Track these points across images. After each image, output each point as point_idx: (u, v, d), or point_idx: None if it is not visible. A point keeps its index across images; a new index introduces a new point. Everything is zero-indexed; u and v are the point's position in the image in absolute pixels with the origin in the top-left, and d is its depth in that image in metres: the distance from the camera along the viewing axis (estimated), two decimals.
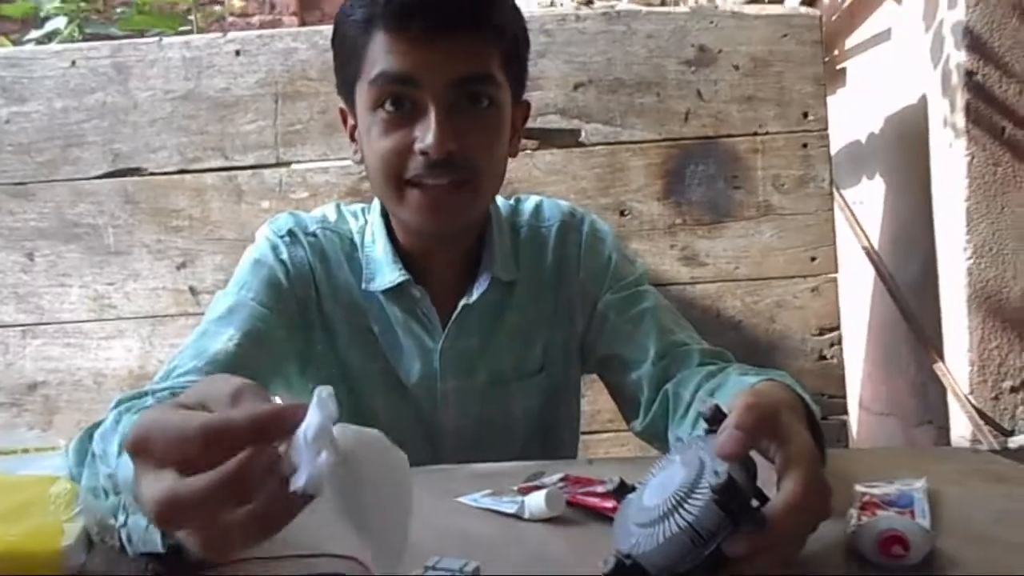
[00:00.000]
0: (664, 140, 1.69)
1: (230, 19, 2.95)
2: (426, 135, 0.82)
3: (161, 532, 0.54)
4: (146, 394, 0.74)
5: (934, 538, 0.59)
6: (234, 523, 0.43)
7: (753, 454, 0.54)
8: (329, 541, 0.62)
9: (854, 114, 2.15)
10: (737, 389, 0.75)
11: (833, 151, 1.76)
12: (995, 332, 1.62)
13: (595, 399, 1.55)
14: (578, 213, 1.05)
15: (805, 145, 1.68)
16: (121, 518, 0.58)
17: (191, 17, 2.34)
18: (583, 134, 1.70)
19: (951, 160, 1.65)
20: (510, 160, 0.95)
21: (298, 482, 0.43)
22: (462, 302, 0.95)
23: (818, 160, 1.68)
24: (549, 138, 1.69)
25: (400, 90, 0.84)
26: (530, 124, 1.01)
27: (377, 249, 0.96)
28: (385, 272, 0.95)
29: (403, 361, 0.97)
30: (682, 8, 1.72)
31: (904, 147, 1.91)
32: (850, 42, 2.19)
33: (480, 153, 0.86)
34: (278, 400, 0.69)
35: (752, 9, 1.71)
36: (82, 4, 2.31)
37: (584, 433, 1.29)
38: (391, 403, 0.98)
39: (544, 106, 1.68)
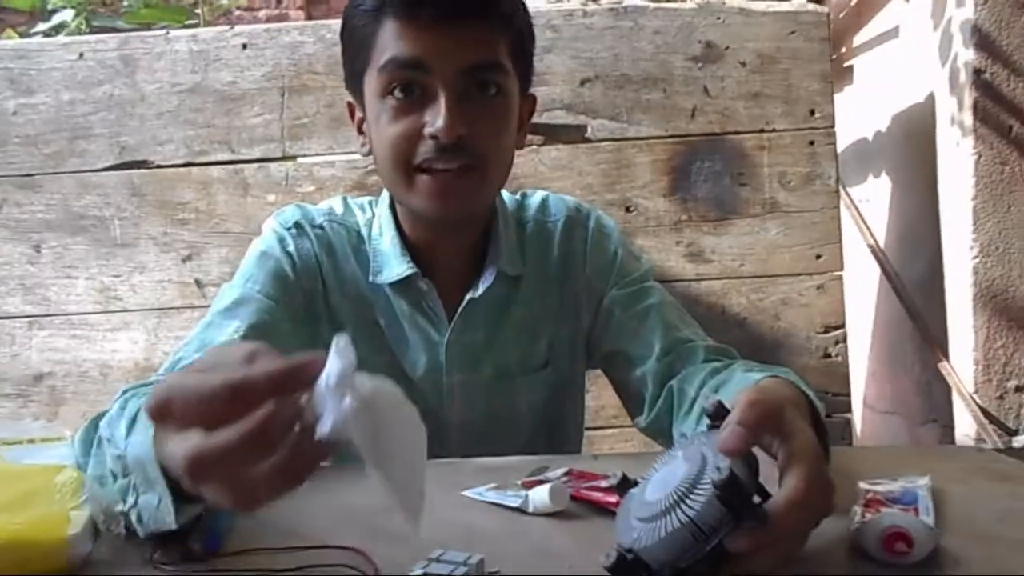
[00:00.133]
0: (670, 136, 1.69)
1: (237, 12, 2.94)
2: (436, 119, 0.82)
3: (174, 509, 0.54)
4: (151, 384, 0.74)
5: (938, 536, 0.59)
6: (261, 475, 0.43)
7: (756, 450, 0.54)
8: (332, 532, 0.63)
9: (861, 112, 2.14)
10: (741, 385, 0.75)
11: (840, 149, 1.75)
12: (1000, 331, 1.62)
13: (599, 395, 1.55)
14: (584, 208, 1.05)
15: (812, 142, 1.68)
16: (131, 499, 0.58)
17: (198, 10, 2.34)
18: (589, 130, 1.69)
19: (958, 158, 1.65)
20: (516, 154, 0.95)
21: (323, 428, 0.43)
22: (468, 296, 0.95)
23: (824, 158, 1.68)
24: (555, 133, 1.69)
25: (410, 76, 0.84)
26: (536, 119, 1.01)
27: (384, 242, 0.96)
28: (393, 265, 0.95)
29: (409, 354, 0.97)
30: (689, 4, 1.72)
31: (911, 145, 1.91)
32: (858, 39, 2.18)
33: (489, 140, 0.87)
34: None
35: (760, 6, 1.70)
36: None
37: (589, 428, 1.29)
38: None
39: (550, 101, 1.68)
